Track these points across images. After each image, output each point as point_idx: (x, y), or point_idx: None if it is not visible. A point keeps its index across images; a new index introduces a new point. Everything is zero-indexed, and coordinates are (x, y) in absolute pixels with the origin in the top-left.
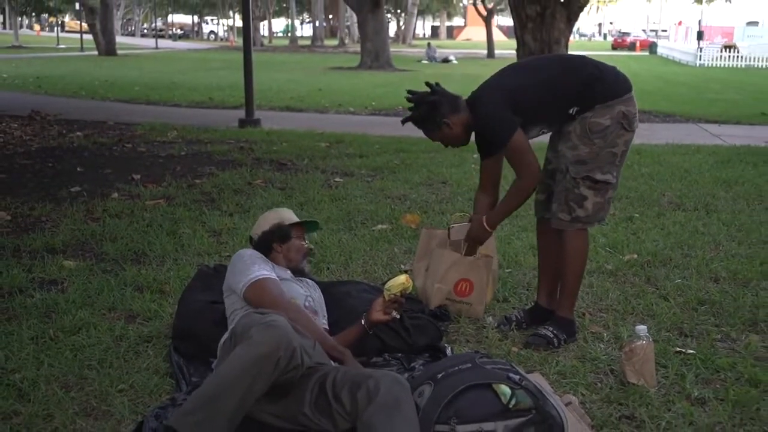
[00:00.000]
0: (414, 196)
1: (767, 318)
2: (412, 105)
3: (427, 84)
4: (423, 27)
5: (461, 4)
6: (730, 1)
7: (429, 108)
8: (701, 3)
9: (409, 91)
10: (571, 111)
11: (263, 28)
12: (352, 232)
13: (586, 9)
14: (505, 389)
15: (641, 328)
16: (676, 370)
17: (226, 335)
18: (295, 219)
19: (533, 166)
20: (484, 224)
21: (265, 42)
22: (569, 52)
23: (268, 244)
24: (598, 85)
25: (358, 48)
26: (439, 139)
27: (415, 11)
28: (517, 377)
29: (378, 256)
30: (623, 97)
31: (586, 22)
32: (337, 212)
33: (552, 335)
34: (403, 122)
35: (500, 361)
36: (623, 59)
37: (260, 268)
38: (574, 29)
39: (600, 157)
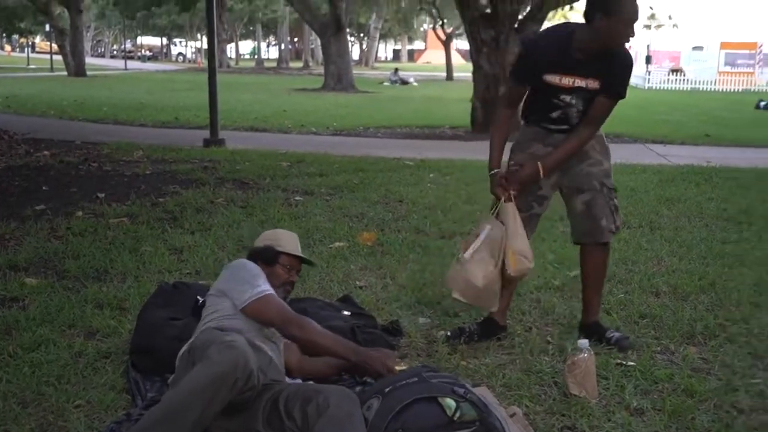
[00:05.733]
0: (371, 214)
1: (704, 331)
2: None
3: None
4: (385, 50)
5: (422, 29)
6: (677, 27)
7: None
8: (650, 28)
9: None
10: None
11: (230, 50)
12: (309, 249)
13: None
14: (450, 402)
15: (583, 342)
16: (616, 381)
17: (185, 347)
18: (288, 248)
19: (599, 128)
20: (540, 169)
21: (232, 64)
22: None
23: (255, 261)
24: None
25: (322, 70)
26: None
27: (378, 35)
28: (461, 390)
29: (334, 273)
30: None
31: None
32: (296, 230)
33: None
34: None
35: (446, 375)
36: None
37: (264, 283)
38: None
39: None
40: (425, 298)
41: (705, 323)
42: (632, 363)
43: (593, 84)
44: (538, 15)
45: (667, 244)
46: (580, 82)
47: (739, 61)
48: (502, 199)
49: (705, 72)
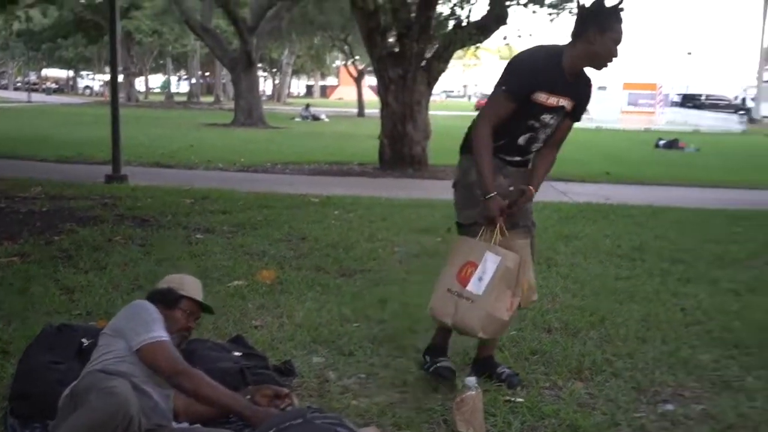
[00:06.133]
0: (273, 251)
1: (592, 366)
2: None
3: None
4: (298, 86)
5: (334, 65)
6: None
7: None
8: None
9: None
10: None
11: (140, 83)
12: (206, 288)
13: (451, 70)
14: None
15: (471, 380)
16: (504, 418)
17: (67, 391)
18: (190, 293)
19: None
20: (530, 192)
21: (141, 98)
22: (429, 112)
23: (154, 303)
24: None
25: (233, 105)
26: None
27: (290, 71)
28: (345, 431)
29: (230, 312)
30: None
31: (452, 82)
32: (194, 269)
33: (514, 373)
34: None
35: (331, 415)
36: None
37: (161, 329)
38: (442, 90)
39: None
40: (321, 337)
41: (593, 358)
42: (521, 399)
43: (570, 105)
44: (445, 54)
45: (562, 281)
46: (563, 102)
47: (640, 101)
48: (498, 225)
49: (609, 111)
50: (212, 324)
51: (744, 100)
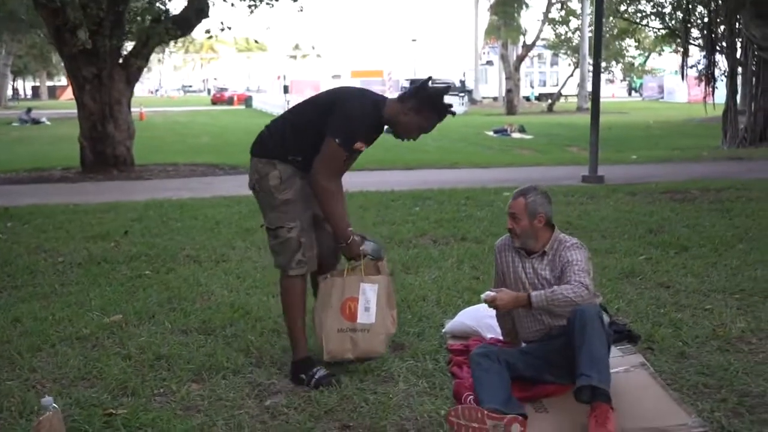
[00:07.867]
0: None
1: (214, 366)
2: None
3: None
4: (24, 87)
5: (62, 64)
6: (321, 56)
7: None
8: (296, 58)
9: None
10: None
11: None
12: None
13: (190, 65)
14: None
15: (47, 400)
16: None
17: None
18: None
19: None
20: None
21: None
22: (133, 109)
23: None
24: None
25: None
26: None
27: (8, 71)
28: None
29: None
30: None
31: (192, 77)
32: None
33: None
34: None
35: None
36: (218, 113)
37: None
38: (181, 86)
39: None
40: None
41: (217, 358)
42: (124, 410)
43: None
44: (143, 51)
45: (223, 277)
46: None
47: (373, 88)
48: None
49: None
50: None
51: (464, 83)
